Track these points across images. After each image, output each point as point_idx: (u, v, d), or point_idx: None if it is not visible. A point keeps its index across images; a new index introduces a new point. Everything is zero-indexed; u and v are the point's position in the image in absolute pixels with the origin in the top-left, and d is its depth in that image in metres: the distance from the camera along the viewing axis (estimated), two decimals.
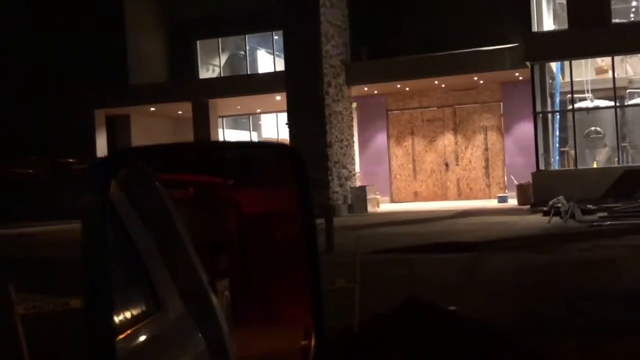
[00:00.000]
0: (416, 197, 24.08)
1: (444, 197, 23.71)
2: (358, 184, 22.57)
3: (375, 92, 23.56)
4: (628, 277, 8.41)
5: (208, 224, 2.30)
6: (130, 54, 25.51)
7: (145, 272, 1.53)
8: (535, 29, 19.23)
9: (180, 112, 25.65)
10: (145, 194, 1.65)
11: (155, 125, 26.38)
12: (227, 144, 2.13)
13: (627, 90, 20.88)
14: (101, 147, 24.41)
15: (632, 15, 22.13)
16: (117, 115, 25.19)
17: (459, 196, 23.61)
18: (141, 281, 1.53)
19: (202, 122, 23.94)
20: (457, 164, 23.83)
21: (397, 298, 6.15)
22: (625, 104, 20.52)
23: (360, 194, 21.00)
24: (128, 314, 1.40)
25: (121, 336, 1.31)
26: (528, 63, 19.05)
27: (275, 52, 26.24)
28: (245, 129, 28.32)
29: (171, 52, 27.05)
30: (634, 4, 22.15)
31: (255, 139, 28.54)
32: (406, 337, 5.21)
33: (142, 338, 1.41)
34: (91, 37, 25.18)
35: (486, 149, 23.55)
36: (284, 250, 2.09)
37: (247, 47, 27.19)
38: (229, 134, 27.96)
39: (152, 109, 25.09)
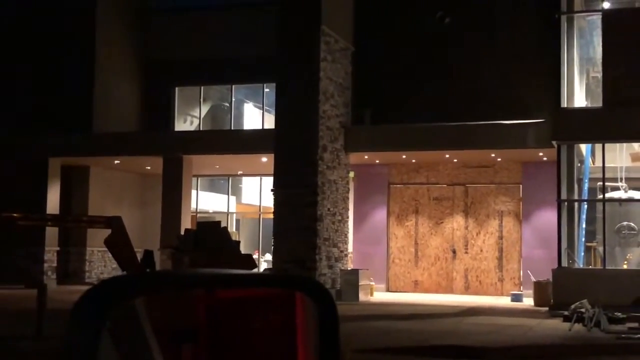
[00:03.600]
0: (416, 287, 23.96)
1: (449, 290, 23.59)
2: (350, 266, 22.46)
3: (377, 161, 23.72)
4: None
5: (171, 308, 2.21)
6: (97, 96, 25.67)
7: None
8: (564, 104, 19.45)
9: (148, 168, 25.68)
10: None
11: (118, 180, 26.37)
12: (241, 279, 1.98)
13: None
14: (53, 201, 24.25)
15: None
16: (74, 165, 25.15)
17: (466, 290, 23.50)
18: None
19: (174, 180, 23.90)
20: (466, 252, 23.81)
21: None
22: None
23: (352, 278, 20.86)
24: None
25: None
26: (554, 142, 19.23)
27: (266, 107, 26.53)
28: (223, 192, 28.37)
29: (145, 98, 27.24)
30: None
31: (233, 203, 28.54)
32: None
33: None
34: (54, 74, 25.37)
35: (501, 237, 23.57)
36: (262, 345, 2.02)
37: (233, 99, 27.45)
38: (203, 197, 27.95)
39: (117, 161, 25.11)
